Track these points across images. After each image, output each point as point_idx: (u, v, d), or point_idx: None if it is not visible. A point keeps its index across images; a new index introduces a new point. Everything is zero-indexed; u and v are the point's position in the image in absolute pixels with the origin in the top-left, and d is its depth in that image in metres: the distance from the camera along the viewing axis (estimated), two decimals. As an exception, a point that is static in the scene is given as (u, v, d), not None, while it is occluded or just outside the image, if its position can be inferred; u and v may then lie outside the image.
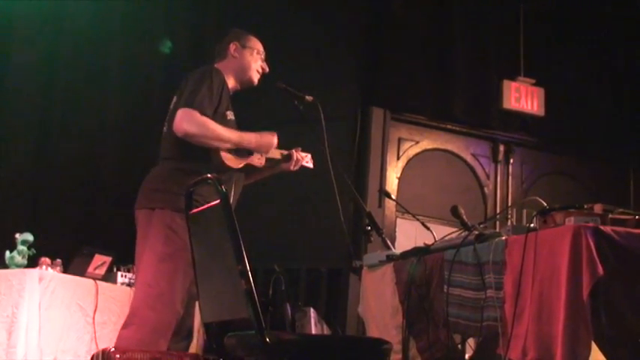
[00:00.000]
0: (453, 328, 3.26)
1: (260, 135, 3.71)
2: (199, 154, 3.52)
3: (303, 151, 4.03)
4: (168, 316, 3.42)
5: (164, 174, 3.58)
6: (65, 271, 4.81)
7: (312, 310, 5.43)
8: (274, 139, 3.75)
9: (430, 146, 6.90)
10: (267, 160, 3.85)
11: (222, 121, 3.58)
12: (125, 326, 3.44)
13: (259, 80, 3.94)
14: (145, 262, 3.48)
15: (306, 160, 4.03)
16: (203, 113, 3.46)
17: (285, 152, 3.89)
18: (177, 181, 3.47)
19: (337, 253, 5.76)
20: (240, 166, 3.65)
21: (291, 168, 3.94)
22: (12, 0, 6.10)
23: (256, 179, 3.95)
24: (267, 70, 3.92)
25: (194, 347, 4.89)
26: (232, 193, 3.57)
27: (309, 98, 3.99)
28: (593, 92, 7.16)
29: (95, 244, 5.23)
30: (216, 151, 3.54)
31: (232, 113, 3.71)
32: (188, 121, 3.43)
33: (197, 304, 3.03)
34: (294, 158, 3.92)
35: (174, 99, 3.66)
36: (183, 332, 3.60)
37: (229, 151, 3.58)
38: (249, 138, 3.66)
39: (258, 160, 3.77)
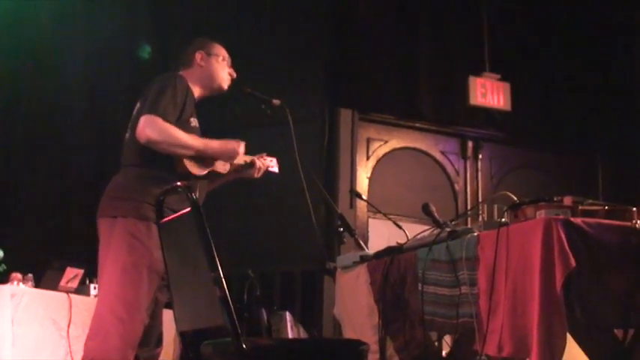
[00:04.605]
0: (429, 326, 3.27)
1: (225, 143, 3.65)
2: (162, 161, 3.46)
3: (272, 154, 4.00)
4: (135, 325, 3.38)
5: (126, 182, 3.52)
6: (37, 285, 4.76)
7: (287, 313, 5.43)
8: (239, 148, 3.68)
9: (399, 145, 6.91)
10: (231, 165, 3.81)
11: (186, 128, 3.53)
12: (91, 337, 3.38)
13: (229, 86, 3.91)
14: (109, 271, 3.43)
15: (272, 165, 3.98)
16: (166, 120, 3.41)
17: (248, 159, 3.84)
18: (140, 188, 3.43)
19: (310, 256, 5.75)
20: (204, 173, 3.61)
21: (255, 175, 3.89)
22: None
23: (219, 184, 3.90)
24: (234, 75, 3.89)
25: (170, 357, 4.86)
26: None
27: (276, 102, 3.96)
28: (558, 85, 7.21)
29: (66, 256, 5.18)
30: (179, 158, 3.50)
31: (196, 120, 3.67)
32: (151, 128, 3.39)
33: (170, 312, 3.00)
34: (257, 166, 3.87)
35: (138, 105, 3.61)
36: (153, 340, 3.56)
37: (192, 158, 3.54)
38: (213, 145, 3.60)
39: (222, 167, 3.72)
